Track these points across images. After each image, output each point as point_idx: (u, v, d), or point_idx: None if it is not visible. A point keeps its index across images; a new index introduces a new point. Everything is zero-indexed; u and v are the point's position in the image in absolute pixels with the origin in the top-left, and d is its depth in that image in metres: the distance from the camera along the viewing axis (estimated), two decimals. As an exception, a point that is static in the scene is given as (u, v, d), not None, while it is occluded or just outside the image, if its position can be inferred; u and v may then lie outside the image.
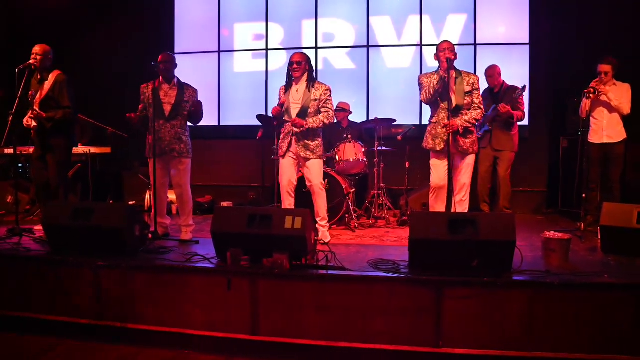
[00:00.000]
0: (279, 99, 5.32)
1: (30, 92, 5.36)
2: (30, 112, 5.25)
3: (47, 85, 5.35)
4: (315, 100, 5.17)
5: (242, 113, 8.50)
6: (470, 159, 5.02)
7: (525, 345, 3.55)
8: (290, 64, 5.22)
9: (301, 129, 5.10)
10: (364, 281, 3.76)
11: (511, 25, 7.84)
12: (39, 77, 5.40)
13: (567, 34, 7.50)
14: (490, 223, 3.87)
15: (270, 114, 6.05)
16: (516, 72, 7.47)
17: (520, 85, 6.19)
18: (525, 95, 6.99)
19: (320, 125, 5.17)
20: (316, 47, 8.38)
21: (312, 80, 5.24)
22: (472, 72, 7.45)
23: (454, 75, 4.94)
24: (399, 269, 3.93)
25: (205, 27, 8.76)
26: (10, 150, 6.77)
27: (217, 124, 8.66)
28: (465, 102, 4.93)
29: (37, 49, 5.37)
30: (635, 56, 6.60)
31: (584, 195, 5.79)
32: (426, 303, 3.66)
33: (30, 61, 5.30)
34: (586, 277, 3.68)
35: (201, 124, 5.72)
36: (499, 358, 3.56)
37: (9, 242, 4.92)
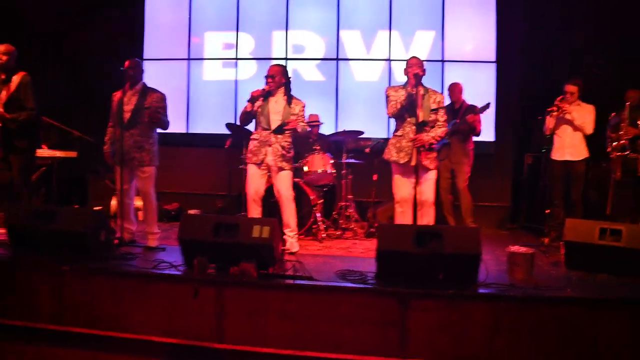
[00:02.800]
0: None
1: None
2: None
3: (12, 86, 5.25)
4: (294, 115, 5.23)
5: (211, 121, 8.45)
6: (432, 174, 5.08)
7: (487, 358, 3.60)
8: (265, 77, 5.26)
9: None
10: (331, 291, 3.78)
11: (478, 42, 7.99)
12: (3, 77, 5.30)
13: (533, 53, 7.70)
14: (456, 236, 3.95)
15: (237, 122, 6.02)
16: (483, 89, 7.62)
17: (480, 105, 6.43)
18: (491, 112, 7.18)
19: None
20: (286, 58, 8.41)
21: (289, 94, 5.31)
22: (440, 87, 7.67)
23: (421, 92, 5.00)
24: (366, 279, 3.97)
25: (175, 34, 8.70)
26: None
27: (185, 131, 8.60)
28: (431, 118, 5.01)
29: (1, 48, 5.27)
30: (602, 74, 6.83)
31: (547, 211, 5.95)
32: (392, 314, 3.69)
33: (-6, 61, 5.21)
34: (549, 291, 3.77)
35: (169, 130, 5.66)
36: (462, 370, 3.62)
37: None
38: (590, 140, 5.95)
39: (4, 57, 5.24)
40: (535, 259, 4.39)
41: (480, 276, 3.95)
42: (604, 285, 4.06)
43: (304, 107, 5.34)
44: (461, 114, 6.60)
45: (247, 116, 5.31)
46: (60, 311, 4.12)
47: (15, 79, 5.27)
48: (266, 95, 5.26)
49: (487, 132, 6.70)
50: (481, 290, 3.77)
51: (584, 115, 5.85)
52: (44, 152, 6.55)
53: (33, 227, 4.35)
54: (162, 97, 5.35)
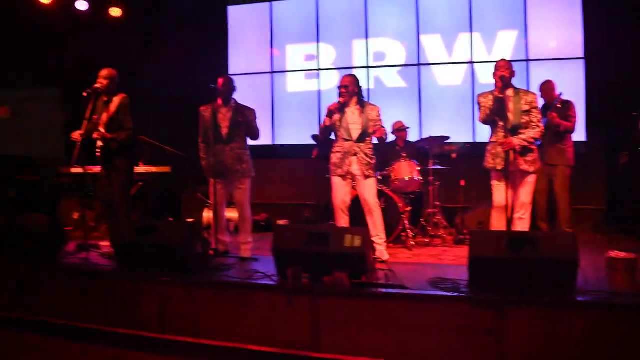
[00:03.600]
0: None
1: (95, 117, 5.55)
2: (96, 133, 5.46)
3: (113, 107, 5.53)
4: (372, 121, 5.26)
5: (296, 132, 8.63)
6: (530, 178, 4.93)
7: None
8: (339, 87, 5.32)
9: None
10: (424, 300, 3.76)
11: (564, 39, 7.74)
12: (105, 99, 5.60)
13: (624, 47, 7.35)
14: (552, 242, 3.82)
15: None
16: (571, 88, 7.35)
17: (572, 100, 6.19)
18: (581, 110, 6.91)
19: None
20: (367, 67, 8.46)
21: (363, 102, 5.34)
22: (525, 88, 7.45)
23: (510, 94, 4.91)
24: (459, 288, 3.92)
25: (258, 48, 8.97)
26: (77, 170, 7.06)
27: (271, 143, 8.81)
28: (523, 121, 4.86)
29: (104, 72, 5.56)
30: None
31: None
32: (488, 323, 3.62)
33: (97, 85, 5.49)
34: (654, 298, 3.59)
35: (256, 142, 5.82)
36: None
37: (78, 257, 5.12)
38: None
39: (105, 82, 5.52)
40: (637, 265, 4.18)
41: (578, 283, 3.81)
42: None
43: (379, 111, 5.35)
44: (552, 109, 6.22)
45: (326, 130, 5.41)
46: (163, 320, 4.32)
47: (116, 101, 5.56)
48: (342, 107, 5.31)
49: (577, 131, 6.41)
50: (580, 298, 3.63)
51: None
52: (140, 168, 6.89)
53: (135, 242, 4.58)
54: (253, 111, 5.57)
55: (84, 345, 4.40)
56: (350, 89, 5.27)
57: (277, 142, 8.84)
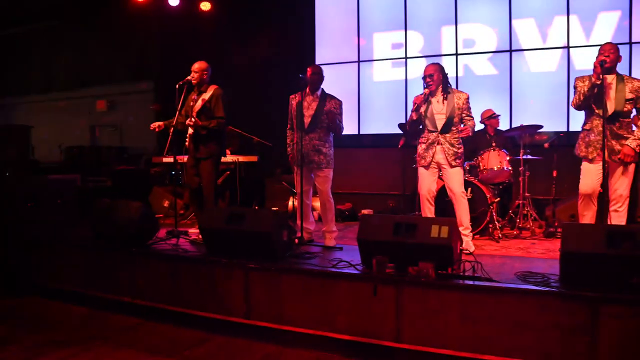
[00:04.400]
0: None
1: (190, 104, 5.75)
2: (189, 119, 5.64)
3: (205, 97, 5.71)
4: (459, 109, 5.13)
5: (382, 121, 8.57)
6: (630, 167, 4.67)
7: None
8: (424, 77, 5.21)
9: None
10: (512, 293, 3.63)
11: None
12: (198, 90, 5.78)
13: None
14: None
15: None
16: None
17: None
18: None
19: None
20: (456, 54, 8.27)
21: (448, 89, 5.19)
22: (627, 73, 7.05)
23: (611, 81, 4.64)
24: (549, 282, 3.77)
25: (345, 37, 8.96)
26: (167, 159, 7.36)
27: (357, 132, 8.80)
28: (625, 109, 4.60)
29: (195, 66, 5.75)
30: None
31: None
32: (580, 320, 3.46)
33: (189, 77, 5.70)
34: None
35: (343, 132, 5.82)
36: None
37: (169, 243, 5.35)
38: None
39: (197, 74, 5.71)
40: None
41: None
42: None
43: (467, 98, 5.18)
44: None
45: (414, 124, 5.32)
46: (248, 306, 4.43)
47: (209, 91, 5.73)
48: (427, 97, 5.21)
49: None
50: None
51: None
52: (227, 157, 7.07)
53: (224, 229, 4.71)
54: (340, 104, 5.55)
55: (174, 328, 4.61)
56: (435, 77, 5.15)
57: (363, 132, 8.81)
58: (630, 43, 7.39)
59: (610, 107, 4.59)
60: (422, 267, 3.85)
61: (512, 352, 3.60)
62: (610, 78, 4.65)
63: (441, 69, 5.22)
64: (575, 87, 4.80)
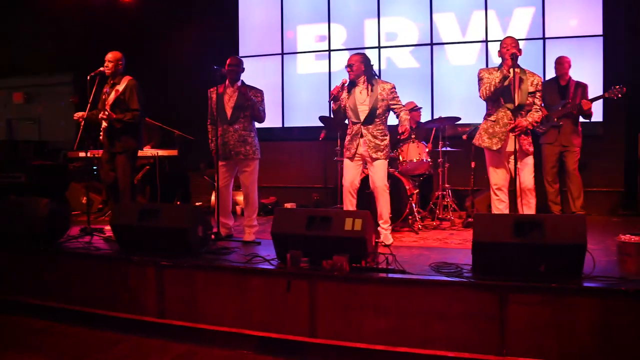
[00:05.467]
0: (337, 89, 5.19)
1: (103, 97, 5.53)
2: (102, 112, 5.43)
3: (119, 88, 5.52)
4: (383, 100, 5.09)
5: (306, 114, 8.51)
6: (530, 160, 4.88)
7: (596, 357, 3.36)
8: (346, 67, 5.18)
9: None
10: (424, 285, 3.67)
11: (583, 17, 7.47)
12: (111, 82, 5.57)
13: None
14: (558, 225, 3.68)
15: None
16: (589, 67, 7.15)
17: (585, 82, 6.24)
18: (599, 90, 6.72)
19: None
20: (379, 47, 8.30)
21: (372, 80, 5.15)
22: (541, 67, 7.31)
23: (518, 73, 4.76)
24: (462, 272, 3.82)
25: (269, 30, 8.84)
26: (83, 154, 7.07)
27: (281, 125, 8.72)
28: (528, 102, 4.80)
29: (109, 56, 5.55)
30: None
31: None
32: (490, 309, 3.53)
33: (102, 68, 5.49)
34: (666, 285, 3.44)
35: (266, 125, 5.73)
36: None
37: (81, 240, 5.13)
38: None
39: (110, 64, 5.51)
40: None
41: (586, 268, 3.67)
42: None
43: (392, 87, 5.13)
44: (571, 93, 6.25)
45: (337, 114, 5.29)
46: (162, 305, 4.30)
47: (123, 83, 5.53)
48: (349, 87, 5.18)
49: (594, 112, 6.28)
50: (587, 284, 3.49)
51: None
52: (147, 151, 6.86)
53: (136, 225, 4.55)
54: (262, 92, 5.49)
55: (84, 329, 4.41)
56: (355, 68, 5.11)
57: (287, 124, 8.73)
58: (544, 38, 7.62)
59: (516, 100, 4.71)
60: (336, 260, 3.83)
61: (427, 343, 3.63)
62: (516, 71, 4.76)
63: (364, 59, 5.16)
64: (481, 79, 4.92)
